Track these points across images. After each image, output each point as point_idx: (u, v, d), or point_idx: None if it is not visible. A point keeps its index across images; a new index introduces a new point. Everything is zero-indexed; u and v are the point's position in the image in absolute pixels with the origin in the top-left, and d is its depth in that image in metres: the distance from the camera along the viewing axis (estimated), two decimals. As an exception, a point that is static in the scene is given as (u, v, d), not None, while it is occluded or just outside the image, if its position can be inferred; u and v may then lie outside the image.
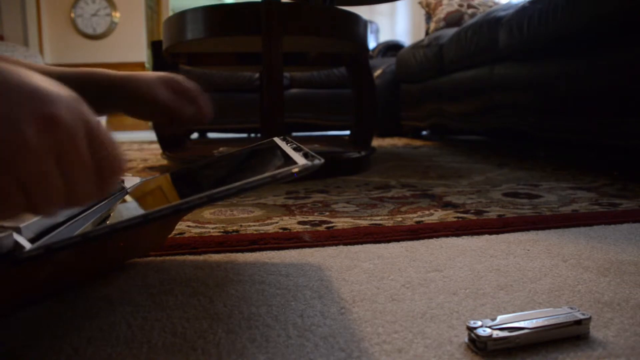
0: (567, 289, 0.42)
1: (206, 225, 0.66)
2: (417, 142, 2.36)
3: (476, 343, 0.31)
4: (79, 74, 0.52)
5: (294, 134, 2.92)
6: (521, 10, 1.41)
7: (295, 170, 0.33)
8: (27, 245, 0.31)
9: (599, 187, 0.94)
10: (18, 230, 0.32)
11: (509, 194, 0.89)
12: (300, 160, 0.35)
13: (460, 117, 1.94)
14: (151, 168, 1.40)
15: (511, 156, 1.58)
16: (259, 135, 2.93)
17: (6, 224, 0.33)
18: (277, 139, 0.52)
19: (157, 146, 2.23)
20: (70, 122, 0.24)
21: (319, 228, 0.64)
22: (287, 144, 0.47)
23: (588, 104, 1.17)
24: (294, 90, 2.93)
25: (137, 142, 2.81)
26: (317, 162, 0.34)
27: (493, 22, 1.60)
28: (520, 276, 0.45)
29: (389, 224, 0.66)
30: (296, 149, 0.41)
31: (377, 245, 0.56)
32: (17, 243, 0.31)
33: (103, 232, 0.32)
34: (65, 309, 0.38)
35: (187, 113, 0.53)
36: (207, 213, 0.74)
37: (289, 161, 0.36)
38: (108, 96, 0.53)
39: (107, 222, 0.46)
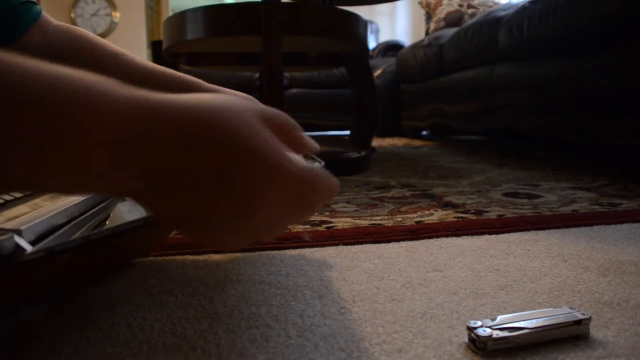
0: (567, 289, 0.42)
1: (206, 225, 0.66)
2: (417, 142, 2.36)
3: (476, 343, 0.31)
4: (172, 78, 0.52)
5: (294, 134, 2.91)
6: (521, 10, 1.41)
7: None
8: (28, 247, 0.31)
9: (599, 187, 0.94)
10: (19, 233, 0.32)
11: (509, 194, 0.89)
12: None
13: (460, 117, 1.94)
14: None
15: (511, 156, 1.58)
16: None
17: (7, 226, 0.33)
18: None
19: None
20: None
21: (319, 228, 0.64)
22: None
23: (588, 104, 1.17)
24: (294, 90, 2.94)
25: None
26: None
27: (493, 22, 1.60)
28: (520, 276, 0.45)
29: (389, 224, 0.66)
30: None
31: (377, 245, 0.56)
32: (18, 245, 0.31)
33: (104, 235, 0.32)
34: (65, 309, 0.38)
35: None
36: (207, 213, 0.74)
37: None
38: None
39: (107, 223, 0.46)
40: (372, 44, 3.74)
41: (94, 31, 4.66)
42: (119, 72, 0.51)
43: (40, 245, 0.33)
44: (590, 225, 0.64)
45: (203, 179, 0.25)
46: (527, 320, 0.32)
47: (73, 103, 0.22)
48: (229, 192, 0.26)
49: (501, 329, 0.31)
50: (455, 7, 2.59)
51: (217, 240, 0.28)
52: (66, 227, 0.39)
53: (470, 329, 0.31)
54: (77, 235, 0.41)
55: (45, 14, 0.51)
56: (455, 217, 0.70)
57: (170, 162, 0.25)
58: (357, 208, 0.78)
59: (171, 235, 0.59)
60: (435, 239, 0.58)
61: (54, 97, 0.22)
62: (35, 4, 0.50)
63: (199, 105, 0.26)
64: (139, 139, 0.24)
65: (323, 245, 0.56)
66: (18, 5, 0.47)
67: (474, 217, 0.70)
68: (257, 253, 0.53)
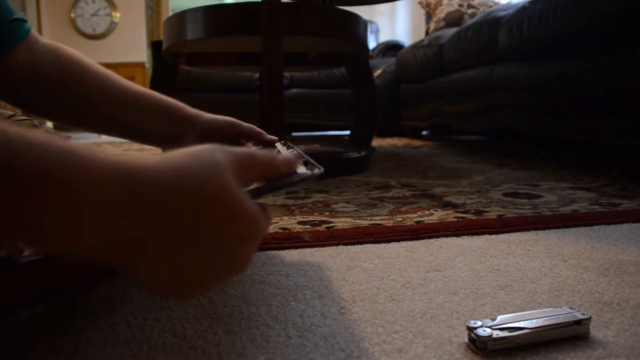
0: (567, 289, 0.42)
1: (206, 225, 0.66)
2: (417, 142, 2.36)
3: (476, 343, 0.31)
4: (156, 102, 0.52)
5: (294, 134, 2.92)
6: (521, 10, 1.41)
7: (296, 180, 0.34)
8: (26, 250, 0.31)
9: (599, 187, 0.94)
10: None
11: (509, 194, 0.89)
12: (300, 169, 0.35)
13: (460, 117, 1.94)
14: (151, 168, 1.40)
15: (511, 156, 1.58)
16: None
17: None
18: (277, 144, 0.52)
19: (157, 146, 2.22)
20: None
21: (319, 228, 0.64)
22: (287, 149, 0.47)
23: (588, 104, 1.17)
24: (294, 90, 2.93)
25: (137, 142, 2.80)
26: (316, 171, 0.35)
27: (493, 22, 1.60)
28: (520, 276, 0.45)
29: (389, 224, 0.66)
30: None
31: (377, 245, 0.56)
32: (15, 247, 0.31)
33: None
34: (65, 309, 0.38)
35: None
36: (207, 213, 0.74)
37: None
38: (179, 133, 0.53)
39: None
40: (372, 44, 3.74)
41: (94, 31, 4.67)
42: (102, 94, 0.51)
43: None
44: (590, 225, 0.64)
45: (182, 238, 0.26)
46: (527, 320, 0.32)
47: (55, 177, 0.22)
48: (212, 246, 0.27)
49: (501, 329, 0.31)
50: (455, 7, 2.59)
51: (185, 290, 0.29)
52: None
53: (470, 329, 0.31)
54: None
55: (34, 32, 0.51)
56: (455, 217, 0.70)
57: (153, 226, 0.25)
58: (357, 208, 0.78)
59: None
60: (435, 239, 0.58)
61: (37, 171, 0.21)
62: (26, 21, 0.50)
63: (175, 169, 0.27)
64: (121, 211, 0.24)
65: (323, 245, 0.56)
66: (8, 22, 0.48)
67: (474, 217, 0.70)
68: (257, 253, 0.53)
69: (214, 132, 0.53)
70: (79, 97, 0.51)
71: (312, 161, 0.37)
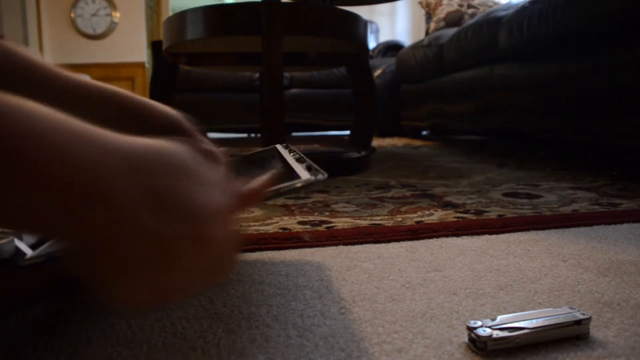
0: (567, 289, 0.42)
1: (206, 225, 0.66)
2: (417, 142, 2.36)
3: (476, 343, 0.31)
4: (112, 95, 0.49)
5: (294, 134, 2.92)
6: (521, 10, 1.41)
7: (299, 185, 0.34)
8: (28, 251, 0.31)
9: (599, 187, 0.94)
10: (19, 237, 0.32)
11: (509, 194, 0.89)
12: (303, 174, 0.36)
13: (460, 117, 1.94)
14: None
15: (511, 156, 1.58)
16: (259, 135, 2.93)
17: (7, 229, 0.33)
18: (279, 147, 0.52)
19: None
20: (220, 241, 0.26)
21: (319, 228, 0.64)
22: (289, 153, 0.47)
23: (588, 104, 1.17)
24: (294, 90, 2.93)
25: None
26: (320, 176, 0.35)
27: (493, 22, 1.60)
28: (520, 276, 0.45)
29: (389, 224, 0.66)
30: (299, 160, 0.42)
31: (377, 245, 0.56)
32: (18, 249, 0.31)
33: None
34: (65, 309, 0.38)
35: None
36: (207, 213, 0.74)
37: (291, 173, 0.37)
38: (127, 123, 0.50)
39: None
40: (372, 44, 3.73)
41: (94, 31, 4.67)
42: (48, 87, 0.48)
43: (40, 249, 0.33)
44: (590, 225, 0.64)
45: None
46: (527, 320, 0.32)
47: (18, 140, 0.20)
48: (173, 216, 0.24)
49: (501, 329, 0.31)
50: (455, 7, 2.59)
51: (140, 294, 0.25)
52: None
53: (470, 329, 0.31)
54: None
55: None
56: (455, 217, 0.70)
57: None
58: (357, 208, 0.78)
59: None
60: (435, 239, 0.58)
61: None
62: None
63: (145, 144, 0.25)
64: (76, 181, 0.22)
65: (323, 245, 0.56)
66: None
67: (474, 217, 0.70)
68: (257, 253, 0.53)
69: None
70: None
71: (316, 166, 0.38)
